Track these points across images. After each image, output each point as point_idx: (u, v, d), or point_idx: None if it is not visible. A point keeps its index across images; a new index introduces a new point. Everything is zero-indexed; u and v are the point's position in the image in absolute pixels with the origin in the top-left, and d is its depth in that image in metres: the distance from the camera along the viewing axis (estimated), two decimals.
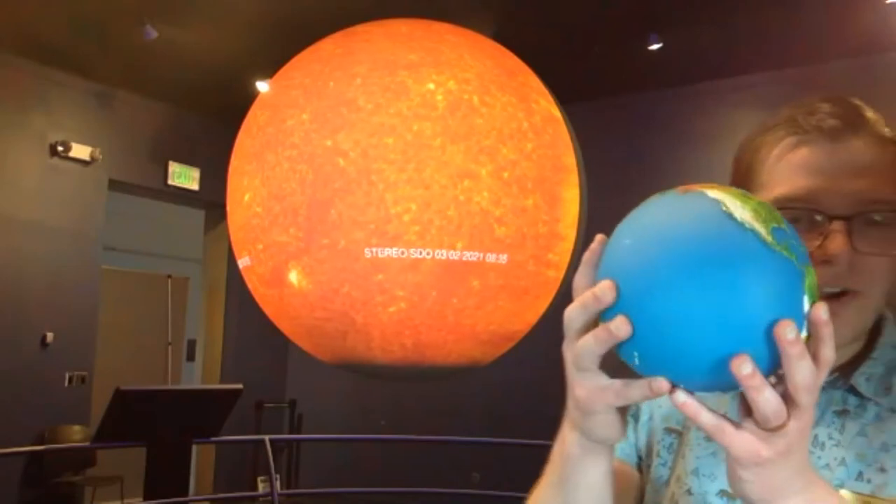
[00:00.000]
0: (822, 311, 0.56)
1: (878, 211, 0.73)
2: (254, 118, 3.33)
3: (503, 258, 3.01)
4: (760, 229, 0.56)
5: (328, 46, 3.30)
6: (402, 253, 2.91)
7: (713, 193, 0.59)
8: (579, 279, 0.63)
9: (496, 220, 2.99)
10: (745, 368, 0.54)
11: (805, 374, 0.55)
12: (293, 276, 3.07)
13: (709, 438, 0.82)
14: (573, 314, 0.61)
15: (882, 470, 0.74)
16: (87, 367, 6.03)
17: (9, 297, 5.59)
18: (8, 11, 4.94)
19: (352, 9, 3.95)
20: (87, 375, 6.03)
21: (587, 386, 0.62)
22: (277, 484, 5.06)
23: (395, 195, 2.91)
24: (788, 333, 0.54)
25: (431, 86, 3.01)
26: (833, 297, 0.73)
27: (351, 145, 2.94)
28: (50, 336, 5.79)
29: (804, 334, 0.56)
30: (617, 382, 0.61)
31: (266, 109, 3.27)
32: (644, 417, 0.91)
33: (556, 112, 3.31)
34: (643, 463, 0.91)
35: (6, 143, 5.65)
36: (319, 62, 3.20)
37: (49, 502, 5.76)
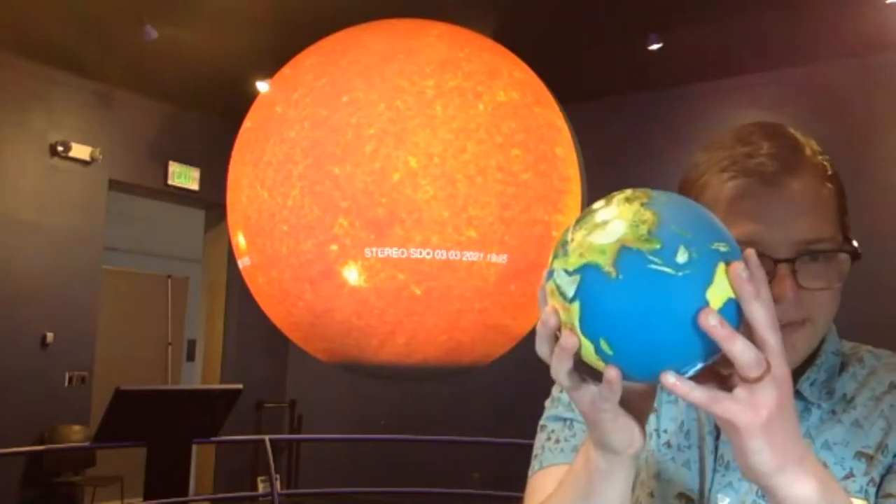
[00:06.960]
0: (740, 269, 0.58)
1: (819, 251, 0.78)
2: (292, 107, 3.12)
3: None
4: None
5: (374, 38, 3.19)
6: (479, 257, 2.92)
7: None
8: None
9: (553, 228, 3.04)
10: (712, 319, 0.57)
11: (761, 312, 0.59)
12: (351, 275, 2.96)
13: (668, 444, 0.87)
14: (537, 347, 0.64)
15: (824, 465, 0.79)
16: (87, 367, 6.03)
17: (9, 297, 5.58)
18: (8, 11, 4.94)
19: (352, 8, 3.95)
20: (87, 375, 6.02)
21: (583, 400, 0.65)
22: (277, 484, 5.06)
23: (474, 201, 2.90)
24: (741, 272, 0.58)
25: (501, 94, 3.02)
26: (784, 326, 0.75)
27: (432, 147, 2.90)
28: (50, 336, 5.79)
29: None
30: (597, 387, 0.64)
31: (318, 101, 3.06)
32: None
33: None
34: None
35: (6, 143, 5.64)
36: (375, 56, 3.09)
37: (49, 502, 5.76)
